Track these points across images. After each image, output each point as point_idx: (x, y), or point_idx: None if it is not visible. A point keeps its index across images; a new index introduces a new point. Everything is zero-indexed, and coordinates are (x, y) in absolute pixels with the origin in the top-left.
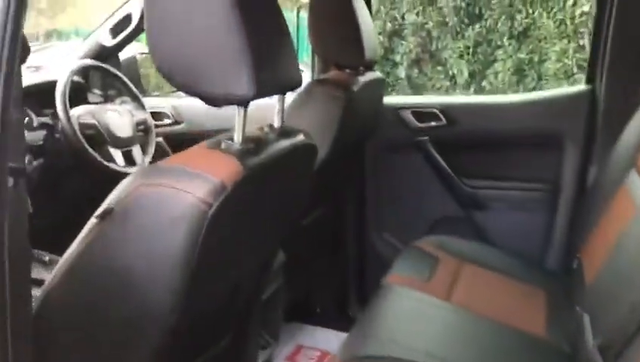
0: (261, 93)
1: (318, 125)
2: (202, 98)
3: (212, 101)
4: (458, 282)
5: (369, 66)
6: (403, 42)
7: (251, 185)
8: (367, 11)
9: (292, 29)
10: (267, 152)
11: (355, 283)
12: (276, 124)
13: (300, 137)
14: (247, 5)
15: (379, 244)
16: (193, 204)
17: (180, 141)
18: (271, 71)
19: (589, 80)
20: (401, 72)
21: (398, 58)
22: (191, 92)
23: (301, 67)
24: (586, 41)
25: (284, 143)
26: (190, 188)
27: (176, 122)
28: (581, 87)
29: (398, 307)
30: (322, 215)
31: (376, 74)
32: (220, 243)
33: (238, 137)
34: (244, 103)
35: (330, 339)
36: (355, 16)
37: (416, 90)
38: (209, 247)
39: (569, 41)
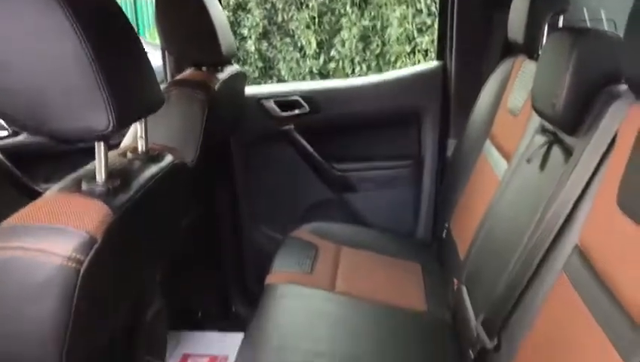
0: (122, 124)
1: (181, 130)
2: (54, 137)
3: (66, 139)
4: (339, 269)
5: (227, 62)
6: (249, 15)
7: (123, 227)
8: (217, 2)
9: (129, 7)
10: (135, 185)
11: (236, 280)
12: (140, 148)
13: (168, 158)
14: (98, 36)
15: (256, 237)
16: (61, 266)
17: (20, 155)
18: (131, 98)
19: (439, 56)
20: (251, 46)
21: (245, 32)
22: (40, 132)
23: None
24: (422, 5)
25: (153, 170)
26: (54, 247)
27: (15, 133)
28: (433, 63)
29: (284, 308)
30: (196, 217)
31: (235, 68)
32: (96, 298)
33: (100, 176)
34: (104, 138)
35: (217, 342)
36: (206, 11)
37: (268, 62)
38: (84, 307)
39: (407, 6)
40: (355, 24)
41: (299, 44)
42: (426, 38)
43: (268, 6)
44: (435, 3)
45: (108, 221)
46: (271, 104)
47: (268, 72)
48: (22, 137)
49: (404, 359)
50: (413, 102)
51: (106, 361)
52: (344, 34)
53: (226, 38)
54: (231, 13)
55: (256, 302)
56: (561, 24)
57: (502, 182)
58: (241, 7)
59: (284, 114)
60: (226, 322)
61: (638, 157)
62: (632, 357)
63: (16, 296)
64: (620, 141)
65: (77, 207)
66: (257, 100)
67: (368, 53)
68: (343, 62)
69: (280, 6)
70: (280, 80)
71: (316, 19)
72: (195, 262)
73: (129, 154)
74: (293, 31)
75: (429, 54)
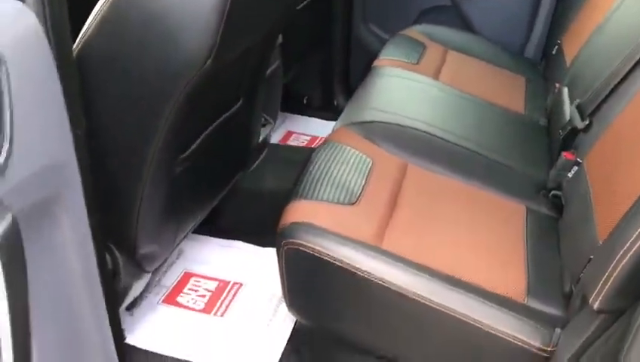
0: None
1: None
2: None
3: None
4: (445, 66)
5: None
6: None
7: None
8: None
9: None
10: None
11: (340, 73)
12: None
13: None
14: None
15: (365, 36)
16: None
17: None
18: None
19: None
20: None
21: None
22: None
23: None
24: None
25: None
26: None
27: None
28: None
29: (389, 84)
30: (311, 3)
31: None
32: (242, 10)
33: None
34: None
35: (318, 126)
36: None
37: None
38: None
39: None
40: None
41: None
42: None
43: None
44: None
45: None
46: None
47: None
48: None
49: (498, 142)
50: None
51: (229, 104)
52: None
53: None
54: None
55: None
56: None
57: None
58: None
59: None
60: (328, 113)
61: None
62: None
63: None
64: None
65: None
66: None
67: None
68: None
69: None
70: None
71: None
72: (305, 49)
73: None
74: None
75: None
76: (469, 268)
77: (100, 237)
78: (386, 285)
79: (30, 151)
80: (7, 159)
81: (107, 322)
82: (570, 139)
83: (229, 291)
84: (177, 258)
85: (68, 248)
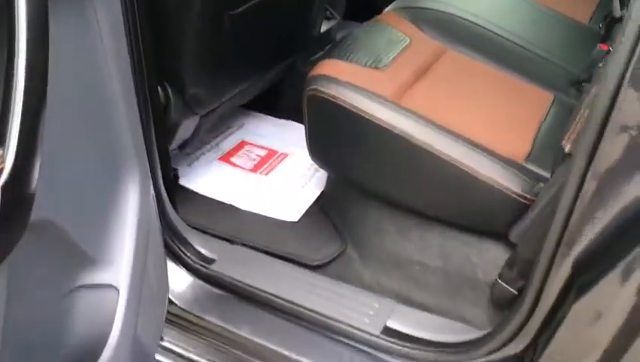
0: None
1: None
2: None
3: None
4: None
5: None
6: None
7: None
8: None
9: None
10: None
11: None
12: None
13: None
14: None
15: None
16: None
17: None
18: None
19: None
20: None
21: None
22: None
23: None
24: None
25: None
26: None
27: None
28: None
29: None
30: None
31: None
32: None
33: None
34: None
35: None
36: None
37: None
38: None
39: None
40: None
41: None
42: None
43: None
44: None
45: None
46: None
47: None
48: None
49: (546, 41)
50: None
51: None
52: None
53: None
54: None
55: None
56: None
57: None
58: None
59: None
60: None
61: None
62: None
63: None
64: None
65: None
66: None
67: None
68: None
69: None
70: None
71: None
72: None
73: None
74: None
75: None
76: (477, 130)
77: (154, 72)
78: (395, 132)
79: None
80: None
81: (142, 131)
82: (610, 30)
83: (276, 158)
84: (237, 129)
85: (103, 30)
